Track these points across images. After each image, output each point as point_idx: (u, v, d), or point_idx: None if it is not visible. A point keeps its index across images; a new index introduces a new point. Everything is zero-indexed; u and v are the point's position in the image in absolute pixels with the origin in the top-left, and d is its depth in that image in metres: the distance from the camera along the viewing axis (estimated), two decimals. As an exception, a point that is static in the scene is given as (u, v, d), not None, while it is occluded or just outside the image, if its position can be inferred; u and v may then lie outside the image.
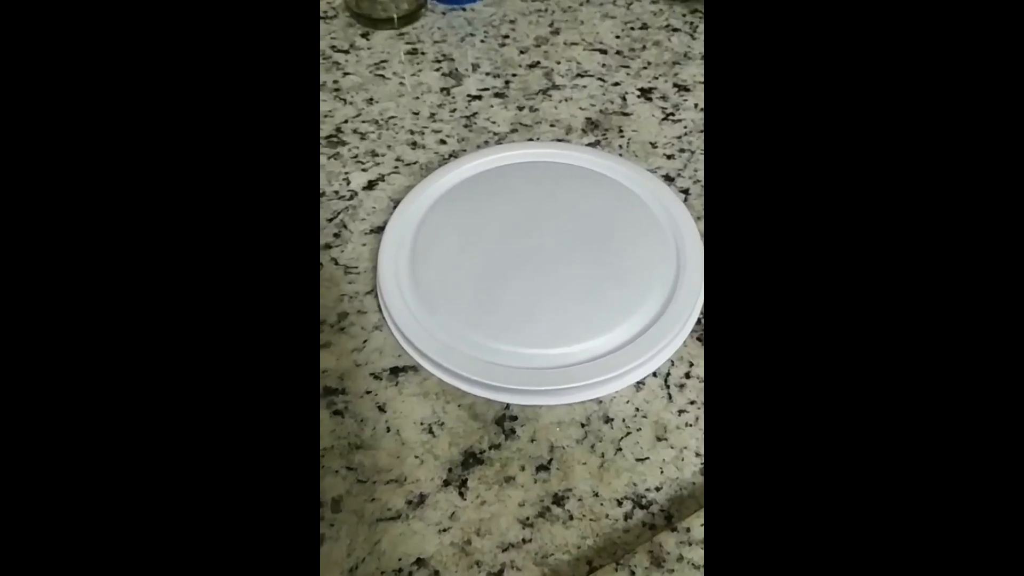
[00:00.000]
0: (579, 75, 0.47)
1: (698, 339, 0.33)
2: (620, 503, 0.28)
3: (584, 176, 0.38)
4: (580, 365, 0.31)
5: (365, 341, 0.33)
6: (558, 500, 0.28)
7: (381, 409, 0.31)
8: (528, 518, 0.28)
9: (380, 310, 0.34)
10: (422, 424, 0.30)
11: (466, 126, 0.43)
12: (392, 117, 0.44)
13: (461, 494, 0.28)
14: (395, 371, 0.32)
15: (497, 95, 0.45)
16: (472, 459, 0.29)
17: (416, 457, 0.29)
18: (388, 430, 0.30)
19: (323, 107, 0.44)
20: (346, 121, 0.44)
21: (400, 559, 0.27)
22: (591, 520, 0.28)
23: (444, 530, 0.27)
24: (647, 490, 0.28)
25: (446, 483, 0.29)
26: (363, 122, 0.44)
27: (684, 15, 0.52)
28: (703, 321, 0.33)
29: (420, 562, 0.27)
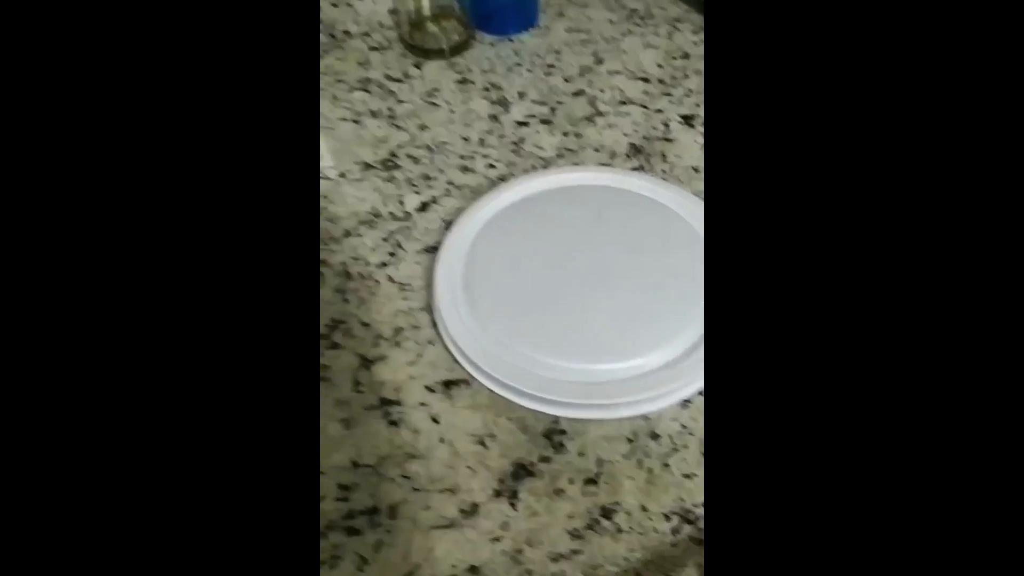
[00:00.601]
0: (622, 102, 0.49)
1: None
2: (668, 518, 0.29)
3: (629, 199, 0.39)
4: (627, 381, 0.31)
5: (419, 355, 0.35)
6: (606, 513, 0.29)
7: (435, 420, 0.32)
8: (577, 530, 0.28)
9: (434, 325, 0.35)
10: (474, 436, 0.31)
11: (514, 151, 0.45)
12: (444, 142, 0.46)
13: (512, 504, 0.29)
14: (448, 384, 0.33)
15: (543, 122, 0.47)
16: (522, 471, 0.30)
17: (468, 468, 0.30)
18: (441, 441, 0.31)
19: (378, 133, 0.47)
20: (400, 146, 0.46)
21: (454, 566, 0.28)
22: (639, 534, 0.28)
23: (496, 539, 0.28)
24: (694, 505, 0.29)
25: (497, 493, 0.30)
26: (416, 147, 0.46)
27: (725, 44, 0.53)
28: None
29: (473, 569, 0.28)
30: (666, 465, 0.30)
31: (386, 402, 0.33)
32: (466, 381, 0.33)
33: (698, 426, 0.31)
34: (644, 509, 0.29)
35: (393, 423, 0.32)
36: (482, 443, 0.31)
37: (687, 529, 0.28)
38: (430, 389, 0.33)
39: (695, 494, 0.29)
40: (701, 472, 0.30)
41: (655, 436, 0.31)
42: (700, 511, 0.29)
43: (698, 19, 0.56)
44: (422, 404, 0.33)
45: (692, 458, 0.30)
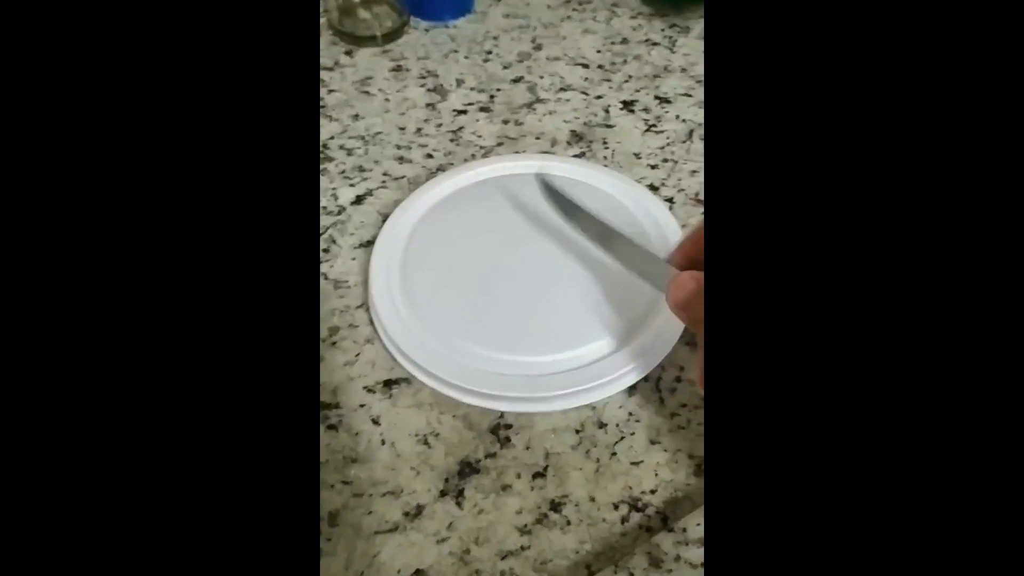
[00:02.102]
0: (562, 89, 0.48)
1: (687, 344, 0.33)
2: (616, 507, 0.28)
3: (571, 186, 0.39)
4: (572, 371, 0.31)
5: (357, 355, 0.33)
6: (555, 506, 0.28)
7: (375, 422, 0.31)
8: (526, 525, 0.28)
9: (372, 323, 0.34)
10: (417, 435, 0.30)
11: (452, 140, 0.44)
12: (378, 133, 0.44)
13: (458, 504, 0.28)
14: (388, 383, 0.32)
15: (482, 109, 0.46)
16: (468, 468, 0.29)
17: (412, 469, 0.29)
18: (383, 443, 0.30)
19: (309, 124, 0.45)
20: (332, 137, 0.44)
21: (399, 571, 0.27)
22: (588, 525, 0.28)
23: (442, 540, 0.27)
24: (643, 493, 0.29)
25: (443, 493, 0.29)
26: (349, 138, 0.44)
27: (663, 29, 0.53)
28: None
29: (419, 573, 0.27)
30: (614, 454, 0.30)
31: (323, 406, 0.31)
32: (407, 380, 0.32)
33: (644, 413, 0.31)
34: (592, 500, 0.29)
35: (332, 427, 0.31)
36: (426, 442, 0.30)
37: (636, 517, 0.28)
38: (369, 390, 0.32)
39: (643, 481, 0.29)
40: (648, 459, 0.30)
41: (602, 425, 0.31)
42: (648, 498, 0.29)
43: (635, 3, 0.56)
44: (361, 406, 0.31)
45: (639, 445, 0.30)
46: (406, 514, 0.28)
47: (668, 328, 0.32)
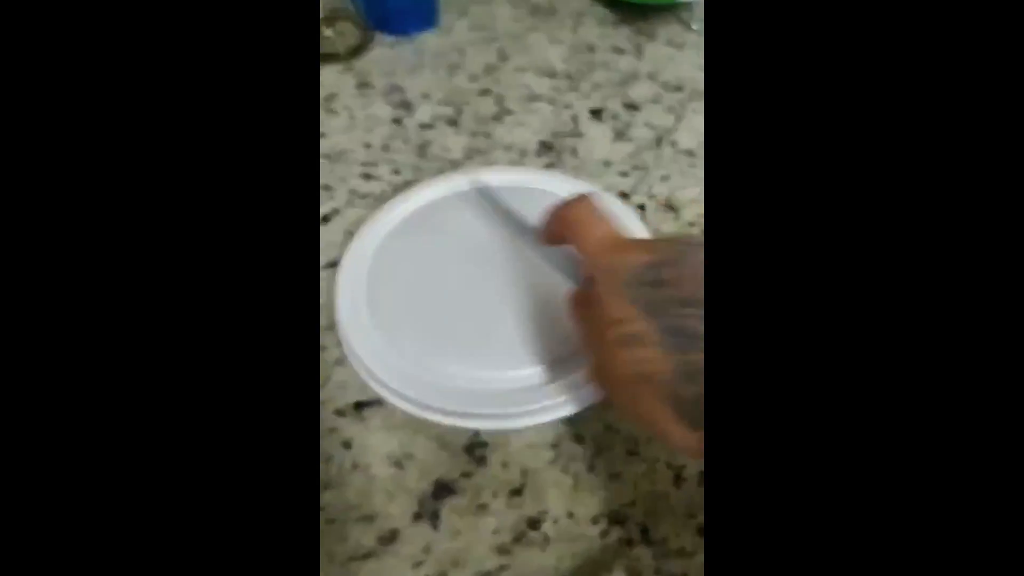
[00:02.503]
0: (530, 99, 0.48)
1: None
2: (596, 521, 0.28)
3: (539, 198, 0.38)
4: (545, 385, 0.30)
5: (327, 377, 0.32)
6: (533, 524, 0.28)
7: (346, 446, 0.30)
8: (504, 544, 0.27)
9: (340, 345, 0.33)
10: (390, 458, 0.30)
11: (419, 155, 0.44)
12: (344, 151, 0.44)
13: (434, 526, 0.28)
14: (359, 406, 0.31)
15: (449, 123, 0.46)
16: (444, 490, 0.29)
17: (386, 492, 0.29)
18: (355, 467, 0.29)
19: (275, 144, 0.44)
20: (299, 157, 0.43)
21: (374, 600, 0.26)
22: (568, 541, 0.27)
23: (418, 564, 0.27)
24: (622, 506, 0.28)
25: (418, 516, 0.28)
26: (316, 157, 0.43)
27: (629, 36, 0.53)
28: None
29: (395, 601, 0.26)
30: (591, 468, 0.29)
31: (293, 431, 0.31)
32: (379, 401, 0.31)
33: (622, 424, 0.31)
34: (571, 515, 0.28)
35: (302, 453, 0.30)
36: (399, 465, 0.30)
37: (615, 531, 0.28)
38: (340, 413, 0.31)
39: (622, 494, 0.29)
40: (627, 470, 0.29)
41: (579, 439, 0.30)
42: (628, 511, 0.28)
43: (601, 11, 0.56)
44: (332, 430, 0.31)
45: (617, 457, 0.30)
46: (381, 539, 0.27)
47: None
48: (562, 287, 0.33)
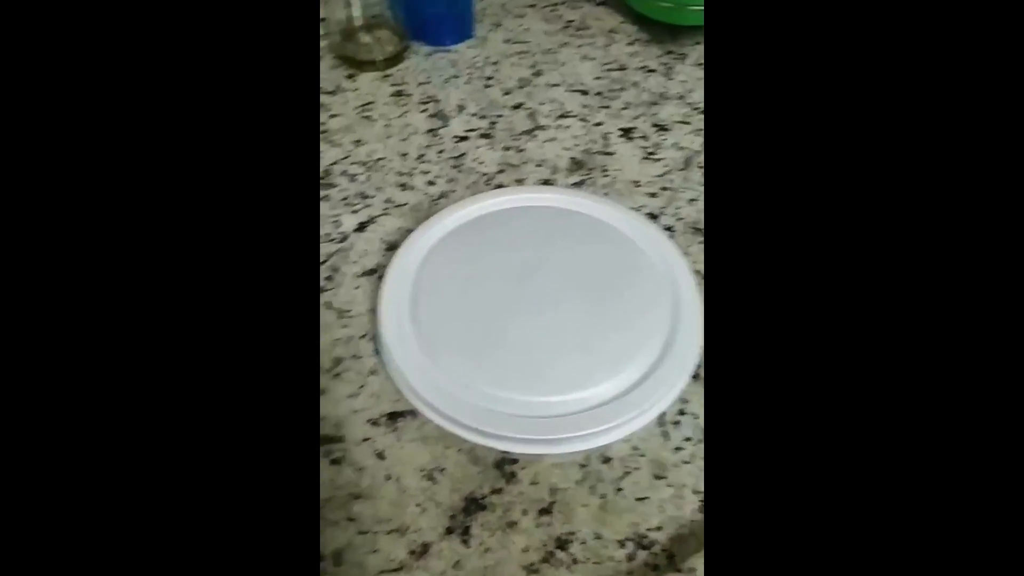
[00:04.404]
0: (562, 115, 0.48)
1: (693, 377, 0.33)
2: (623, 544, 0.28)
3: (576, 220, 0.39)
4: (580, 414, 0.31)
5: (361, 386, 0.33)
6: (561, 544, 0.28)
7: (380, 456, 0.31)
8: (533, 563, 0.28)
9: (376, 354, 0.34)
10: (422, 471, 0.30)
11: (454, 167, 0.44)
12: (380, 159, 0.44)
13: (464, 542, 0.28)
14: (393, 416, 0.32)
15: (483, 136, 0.46)
16: (474, 505, 0.29)
17: (417, 505, 0.29)
18: (388, 478, 0.30)
19: (310, 149, 0.45)
20: (335, 163, 0.44)
21: (405, 611, 0.26)
22: (595, 563, 0.28)
23: (449, 579, 0.27)
24: (648, 530, 0.29)
25: (449, 531, 0.29)
26: (351, 164, 0.44)
27: (659, 56, 0.54)
28: (702, 360, 0.33)
29: (426, 614, 0.26)
30: (619, 489, 0.30)
31: (327, 439, 0.31)
32: (412, 412, 0.32)
33: (649, 447, 0.31)
34: (599, 537, 0.29)
35: (335, 461, 0.30)
36: (431, 478, 0.30)
37: (642, 555, 0.28)
38: (374, 423, 0.32)
39: (649, 517, 0.29)
40: (653, 494, 0.30)
41: (607, 460, 0.31)
42: (654, 535, 0.29)
43: (632, 30, 0.56)
44: (365, 439, 0.31)
45: (644, 480, 0.30)
46: (412, 552, 0.28)
47: (677, 367, 0.32)
48: (607, 315, 0.34)
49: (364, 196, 0.42)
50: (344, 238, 0.40)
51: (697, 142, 0.47)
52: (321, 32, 0.53)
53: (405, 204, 0.41)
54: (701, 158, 0.45)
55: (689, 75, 0.52)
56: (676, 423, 0.32)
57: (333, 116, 0.47)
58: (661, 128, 0.48)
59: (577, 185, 0.43)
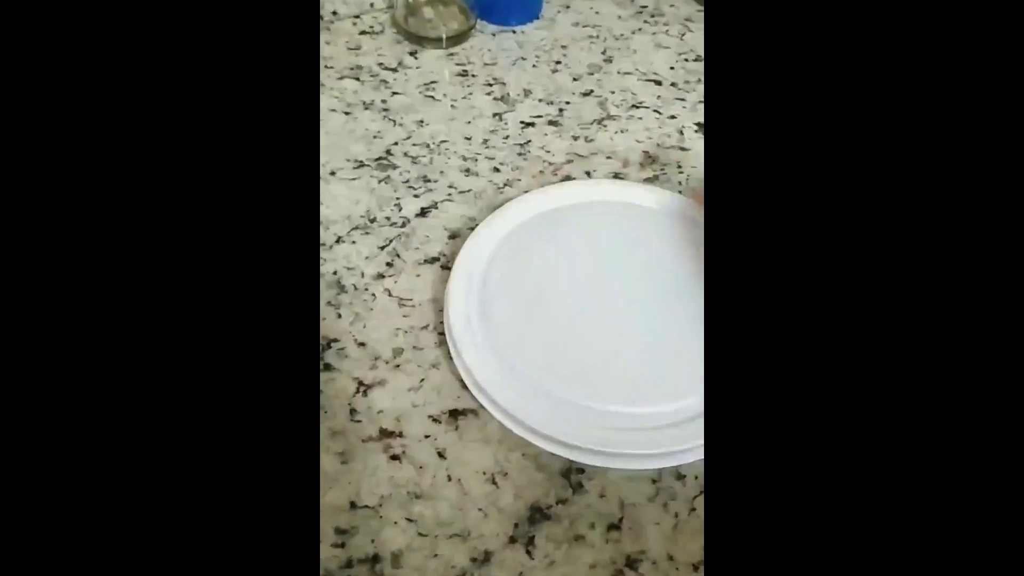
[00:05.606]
0: (634, 106, 0.46)
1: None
2: (696, 568, 0.27)
3: (652, 219, 0.37)
4: (654, 430, 0.29)
5: (422, 380, 0.32)
6: (631, 563, 0.27)
7: (441, 455, 0.29)
8: (601, 582, 0.26)
9: (438, 346, 0.32)
10: (484, 473, 0.29)
11: (520, 154, 0.42)
12: (444, 141, 0.42)
13: (528, 552, 0.27)
14: (454, 414, 0.31)
15: (551, 123, 0.44)
16: (539, 514, 0.28)
17: (480, 510, 0.28)
18: (449, 479, 0.29)
19: (372, 127, 0.43)
20: (396, 143, 0.42)
21: (466, 623, 0.25)
22: (667, 587, 0.26)
23: (512, 592, 0.26)
24: (725, 556, 0.27)
25: (512, 540, 0.27)
26: (414, 145, 0.42)
27: (736, 48, 0.51)
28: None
29: (488, 628, 0.25)
30: (693, 509, 0.28)
31: (387, 433, 0.30)
32: (474, 411, 0.30)
33: (725, 465, 0.29)
34: (671, 559, 0.27)
35: (395, 457, 0.29)
36: (493, 481, 0.29)
37: (717, 581, 0.26)
38: (435, 419, 0.30)
39: (724, 542, 0.27)
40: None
41: (680, 476, 0.29)
42: (731, 561, 0.27)
43: (708, 20, 0.53)
44: (426, 436, 0.30)
45: (720, 501, 0.28)
46: (473, 560, 0.26)
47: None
48: (691, 324, 0.32)
49: (426, 180, 0.40)
50: (406, 223, 0.38)
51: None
52: (384, 4, 0.52)
53: (469, 191, 0.40)
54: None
55: (767, 69, 0.49)
56: (754, 441, 0.30)
57: (395, 94, 0.45)
58: (736, 124, 0.45)
59: (650, 180, 0.41)
